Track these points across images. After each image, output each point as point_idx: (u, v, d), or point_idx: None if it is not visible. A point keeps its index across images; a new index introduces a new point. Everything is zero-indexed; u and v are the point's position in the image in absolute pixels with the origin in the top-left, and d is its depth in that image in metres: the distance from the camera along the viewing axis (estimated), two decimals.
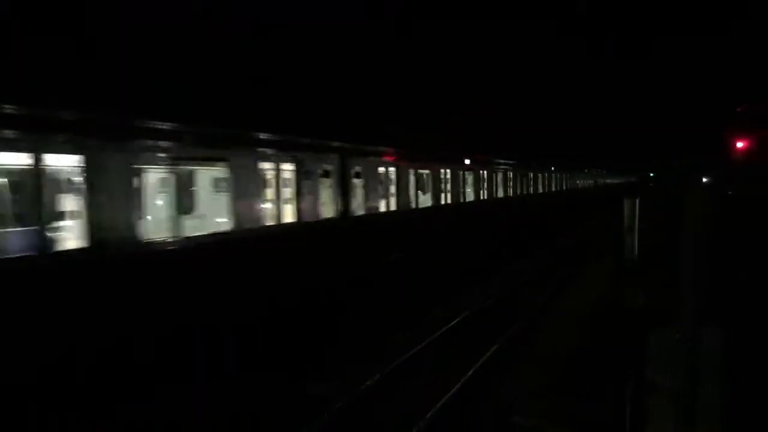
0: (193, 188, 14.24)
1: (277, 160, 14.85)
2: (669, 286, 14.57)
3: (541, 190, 43.35)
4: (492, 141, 42.99)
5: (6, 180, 10.24)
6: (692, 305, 12.19)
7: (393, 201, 20.24)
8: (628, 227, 13.69)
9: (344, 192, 16.78)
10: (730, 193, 51.82)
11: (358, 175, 17.62)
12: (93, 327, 9.99)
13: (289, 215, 15.32)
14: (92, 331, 9.96)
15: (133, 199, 11.02)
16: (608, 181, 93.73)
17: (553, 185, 47.40)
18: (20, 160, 9.51)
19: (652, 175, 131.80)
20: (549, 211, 41.92)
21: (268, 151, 14.56)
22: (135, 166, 11.14)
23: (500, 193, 32.40)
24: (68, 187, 10.98)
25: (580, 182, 62.19)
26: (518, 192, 36.54)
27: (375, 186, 18.75)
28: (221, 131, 13.30)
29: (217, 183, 14.49)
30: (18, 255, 9.22)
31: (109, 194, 10.43)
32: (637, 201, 13.78)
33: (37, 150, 9.45)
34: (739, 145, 39.75)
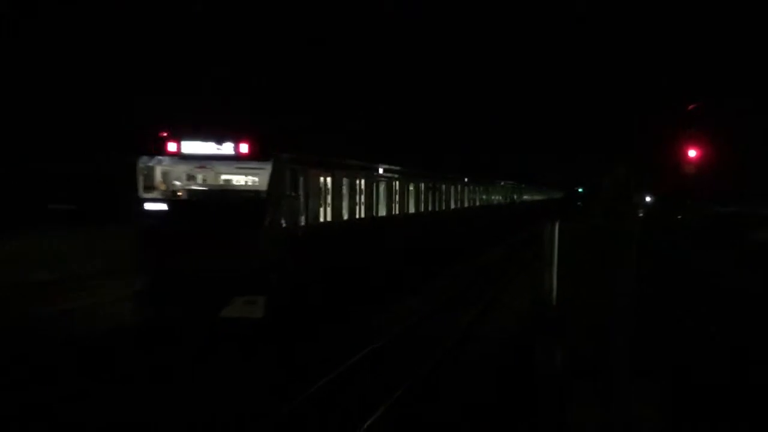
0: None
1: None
2: (593, 337, 11.76)
3: (413, 207, 29.65)
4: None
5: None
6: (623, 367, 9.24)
7: None
8: (546, 261, 10.62)
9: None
10: (679, 217, 46.00)
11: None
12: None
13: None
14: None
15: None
16: (527, 197, 76.52)
17: (437, 201, 34.39)
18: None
19: (580, 190, 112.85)
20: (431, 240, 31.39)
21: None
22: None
23: None
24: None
25: (484, 197, 48.16)
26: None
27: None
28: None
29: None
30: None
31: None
32: (557, 226, 10.63)
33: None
34: (692, 153, 31.69)
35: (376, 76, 50.77)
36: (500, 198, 55.26)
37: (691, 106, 33.23)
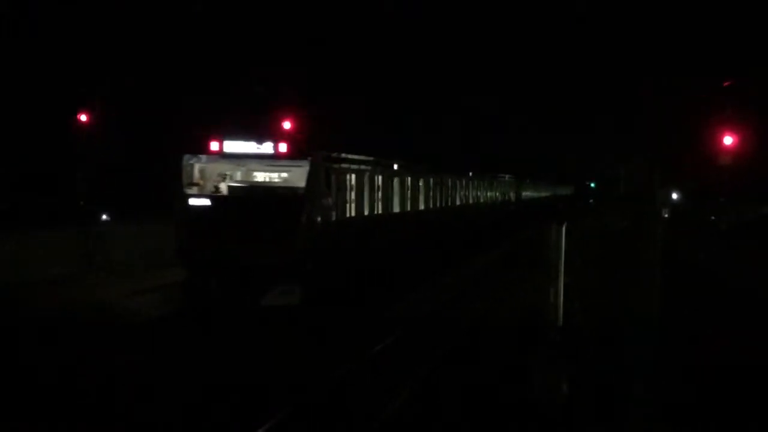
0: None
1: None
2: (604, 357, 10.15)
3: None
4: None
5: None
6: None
7: None
8: (550, 272, 8.90)
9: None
10: (713, 218, 42.04)
11: None
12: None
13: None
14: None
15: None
16: (528, 193, 71.02)
17: (445, 196, 32.88)
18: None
19: (593, 186, 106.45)
20: None
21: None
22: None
23: None
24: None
25: (489, 194, 45.81)
26: None
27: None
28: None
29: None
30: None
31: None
32: (564, 228, 8.95)
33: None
34: (728, 141, 25.91)
35: (376, 76, 49.82)
36: (500, 194, 54.00)
37: (726, 83, 29.07)
